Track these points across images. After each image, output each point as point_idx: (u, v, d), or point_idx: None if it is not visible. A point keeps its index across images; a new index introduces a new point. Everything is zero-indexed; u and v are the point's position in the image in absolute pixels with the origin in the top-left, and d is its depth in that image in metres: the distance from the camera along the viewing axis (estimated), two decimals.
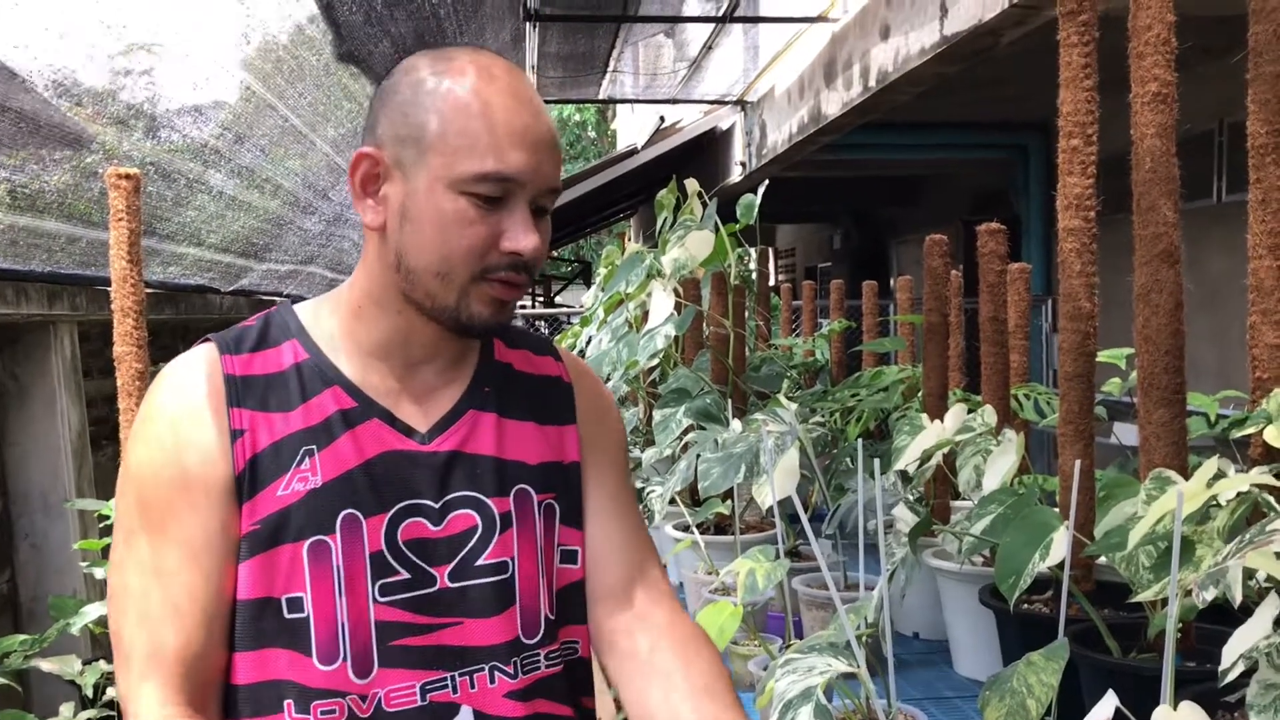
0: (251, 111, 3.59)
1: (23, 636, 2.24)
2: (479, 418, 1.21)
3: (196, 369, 1.13)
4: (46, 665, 2.19)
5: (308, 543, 1.10)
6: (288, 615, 1.09)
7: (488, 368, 1.25)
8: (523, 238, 1.10)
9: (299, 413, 1.13)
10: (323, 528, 1.10)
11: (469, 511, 1.17)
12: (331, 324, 1.19)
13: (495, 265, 1.11)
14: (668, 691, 1.20)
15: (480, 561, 1.16)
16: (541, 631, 1.19)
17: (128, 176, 2.06)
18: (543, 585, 1.20)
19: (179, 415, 1.10)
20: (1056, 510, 1.65)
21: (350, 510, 1.11)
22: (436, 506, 1.15)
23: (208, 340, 1.16)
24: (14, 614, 3.47)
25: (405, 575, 1.13)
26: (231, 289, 5.32)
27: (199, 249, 4.30)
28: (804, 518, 1.52)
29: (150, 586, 1.08)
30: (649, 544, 1.33)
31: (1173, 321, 1.50)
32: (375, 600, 1.11)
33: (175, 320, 4.83)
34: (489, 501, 1.18)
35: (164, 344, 4.95)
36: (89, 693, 2.18)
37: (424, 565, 1.14)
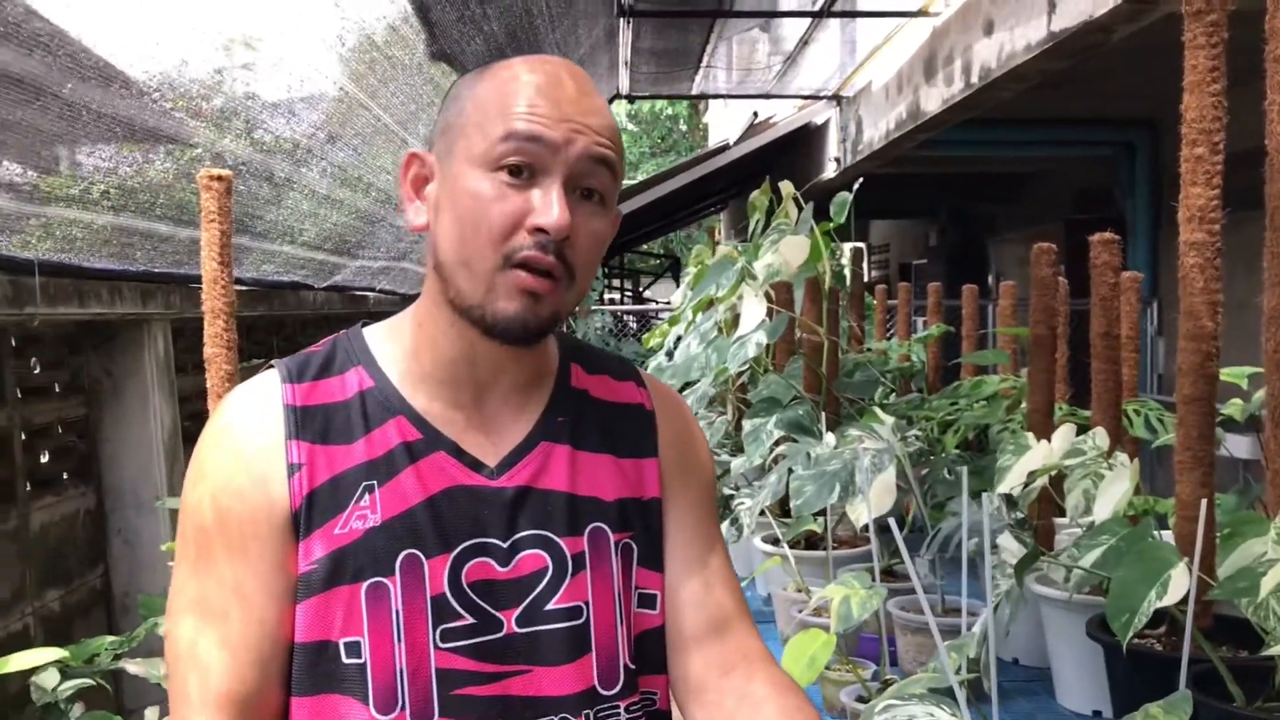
0: (344, 110, 3.60)
1: (111, 637, 2.25)
2: (551, 450, 1.13)
3: (255, 400, 1.08)
4: (133, 668, 2.20)
5: (365, 584, 1.03)
6: (345, 660, 1.03)
7: (562, 395, 1.17)
8: (548, 211, 1.01)
9: (360, 445, 1.07)
10: (381, 569, 1.04)
11: (539, 552, 1.09)
12: (398, 347, 1.13)
13: (519, 246, 1.02)
14: None
15: (551, 605, 1.08)
16: (621, 682, 1.11)
17: (219, 178, 2.05)
18: (621, 632, 1.11)
19: (234, 450, 1.05)
20: (1173, 543, 1.55)
21: (411, 550, 1.05)
22: (504, 546, 1.08)
23: (272, 366, 1.11)
24: (107, 609, 3.53)
25: (469, 620, 1.05)
26: (325, 285, 5.37)
27: (292, 246, 4.34)
28: (899, 538, 1.44)
29: (202, 625, 1.04)
30: (735, 587, 1.23)
31: None
32: (436, 646, 1.04)
33: (270, 316, 4.89)
34: (560, 541, 1.09)
35: (259, 339, 5.02)
36: None
37: (490, 609, 1.06)
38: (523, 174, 1.02)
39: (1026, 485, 1.94)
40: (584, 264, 1.06)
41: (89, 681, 2.18)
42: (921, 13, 6.12)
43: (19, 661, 1.82)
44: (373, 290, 6.43)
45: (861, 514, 2.00)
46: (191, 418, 3.93)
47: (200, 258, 2.06)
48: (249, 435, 1.06)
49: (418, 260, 6.48)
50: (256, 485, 1.04)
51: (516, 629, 1.07)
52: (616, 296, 20.41)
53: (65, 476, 3.40)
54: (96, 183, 2.68)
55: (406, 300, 1.22)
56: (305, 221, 4.23)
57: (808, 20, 6.73)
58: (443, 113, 1.10)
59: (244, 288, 4.16)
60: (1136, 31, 4.10)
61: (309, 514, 1.04)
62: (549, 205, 1.01)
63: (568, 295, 1.06)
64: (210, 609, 1.04)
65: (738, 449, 3.06)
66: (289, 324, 5.47)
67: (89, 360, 3.51)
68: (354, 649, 1.03)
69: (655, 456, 1.20)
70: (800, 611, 2.13)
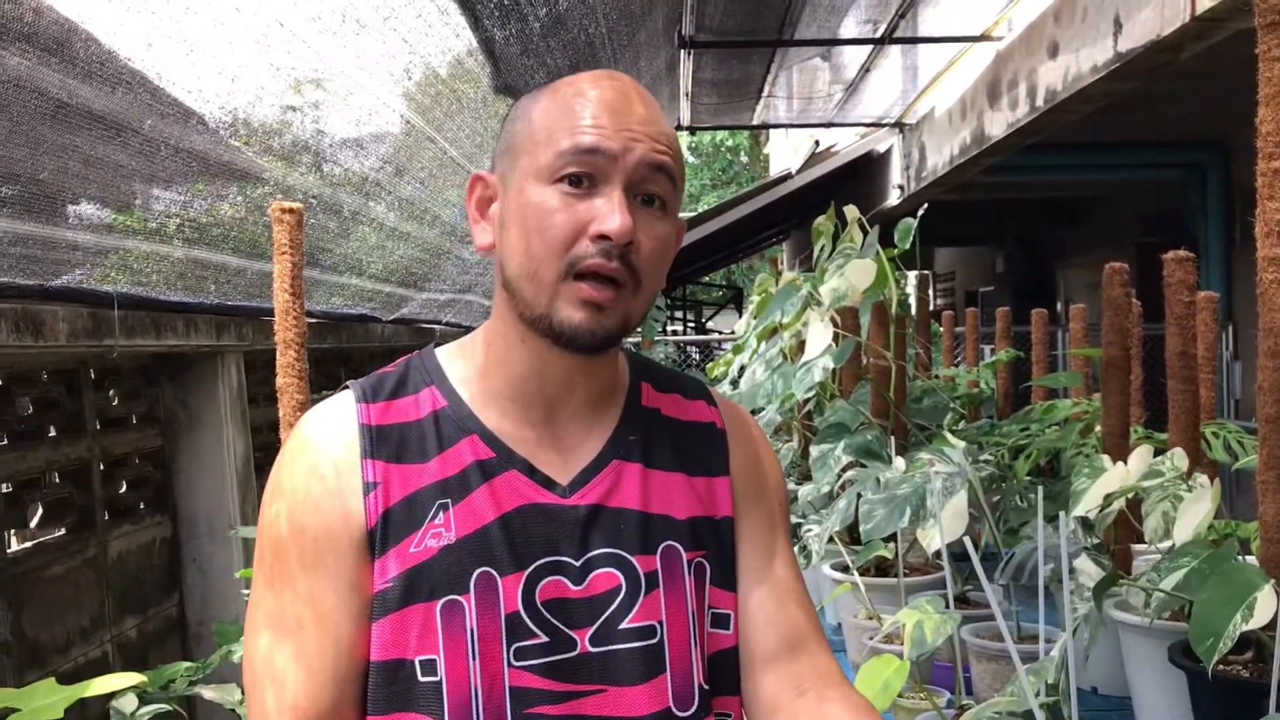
0: (411, 144, 3.65)
1: (187, 664, 2.29)
2: (623, 469, 1.13)
3: (331, 419, 1.09)
4: (208, 694, 2.22)
5: (441, 603, 1.04)
6: (421, 679, 1.03)
7: (633, 414, 1.17)
8: (609, 218, 1.02)
9: (435, 464, 1.08)
10: (456, 587, 1.04)
11: (612, 570, 1.08)
12: (469, 367, 1.14)
13: (583, 254, 1.02)
14: None
15: (625, 624, 1.07)
16: (696, 703, 1.09)
17: (291, 210, 2.09)
18: (695, 652, 1.10)
19: (310, 468, 1.07)
20: (1258, 565, 1.51)
21: (485, 568, 1.05)
22: (577, 565, 1.08)
23: (347, 387, 1.13)
24: (182, 637, 3.58)
25: (543, 639, 1.05)
26: (392, 318, 5.44)
27: (360, 279, 4.41)
28: (976, 560, 1.42)
29: (278, 644, 1.05)
30: (809, 606, 1.21)
31: None
32: (510, 665, 1.04)
33: (338, 349, 4.96)
34: (633, 560, 1.09)
35: (328, 371, 5.09)
36: None
37: (563, 628, 1.06)
38: (583, 184, 1.04)
39: (1103, 509, 1.91)
40: (649, 269, 1.07)
41: (166, 707, 2.21)
42: (985, 37, 6.08)
43: (99, 686, 1.85)
44: (439, 323, 6.50)
45: (934, 539, 1.98)
46: (263, 449, 3.98)
47: (272, 290, 2.10)
48: (326, 453, 1.07)
49: (483, 293, 6.53)
50: (333, 501, 1.06)
51: (590, 648, 1.06)
52: (679, 328, 20.41)
53: (142, 506, 3.47)
54: (172, 217, 2.75)
55: (484, 323, 1.24)
56: (372, 254, 4.29)
57: (869, 48, 6.72)
58: (504, 133, 1.12)
59: (313, 320, 4.22)
60: (1204, 50, 4.03)
61: (384, 532, 1.05)
62: (610, 212, 1.02)
63: (634, 302, 1.07)
64: (286, 623, 1.05)
65: (805, 476, 3.04)
66: (356, 357, 5.54)
67: (165, 392, 3.58)
68: (430, 667, 1.04)
69: (727, 475, 1.19)
70: (872, 639, 2.11)
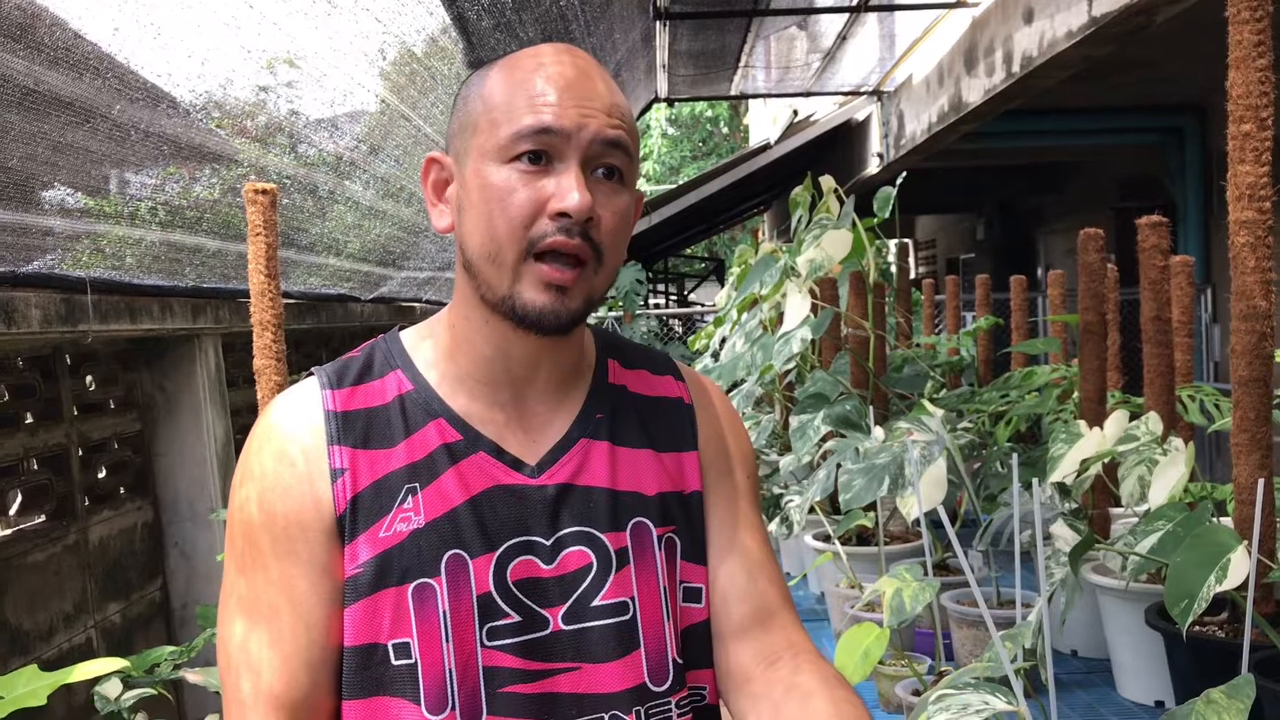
0: (386, 123, 3.63)
1: (171, 648, 2.29)
2: (591, 446, 1.13)
3: (297, 406, 1.09)
4: (192, 677, 2.23)
5: (412, 586, 1.04)
6: (395, 662, 1.04)
7: (600, 392, 1.17)
8: (568, 195, 1.01)
9: (401, 449, 1.08)
10: (426, 570, 1.04)
11: (582, 549, 1.09)
12: (434, 349, 1.14)
13: (543, 233, 1.02)
14: None
15: (597, 602, 1.08)
16: (670, 677, 1.10)
17: (264, 191, 2.07)
18: (668, 627, 1.11)
19: (279, 454, 1.07)
20: (1231, 527, 1.53)
21: (455, 550, 1.05)
22: (548, 544, 1.08)
23: (312, 374, 1.13)
24: (166, 620, 3.58)
25: (516, 618, 1.06)
26: (371, 297, 5.42)
27: (338, 259, 4.38)
28: (951, 531, 1.43)
29: (252, 630, 1.05)
30: (779, 578, 1.22)
31: None
32: (483, 645, 1.05)
33: (318, 329, 4.94)
34: (603, 537, 1.10)
35: (308, 352, 5.07)
36: None
37: (535, 607, 1.07)
38: (540, 160, 1.03)
39: (1079, 474, 1.92)
40: (611, 243, 1.06)
41: (150, 691, 2.22)
42: (960, 3, 6.07)
43: (83, 671, 1.85)
44: (419, 301, 6.48)
45: (912, 507, 1.99)
46: (243, 431, 3.97)
47: (248, 272, 2.09)
48: (293, 439, 1.07)
49: None
50: (302, 487, 1.06)
51: (563, 626, 1.07)
52: (661, 300, 20.40)
53: (122, 491, 3.46)
54: (145, 200, 2.73)
55: (448, 305, 1.23)
56: (350, 234, 4.27)
57: (846, 16, 6.70)
58: (455, 114, 1.12)
59: (291, 300, 4.21)
60: (1180, 14, 4.03)
61: (353, 518, 1.05)
62: (569, 189, 1.02)
63: (596, 280, 1.07)
64: (260, 609, 1.05)
65: (786, 448, 3.05)
66: (336, 336, 5.52)
67: (142, 376, 3.57)
68: (403, 650, 1.04)
69: (695, 450, 1.19)
70: (853, 607, 2.12)
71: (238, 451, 3.77)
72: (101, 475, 3.36)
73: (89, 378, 3.34)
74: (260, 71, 2.73)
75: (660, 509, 1.14)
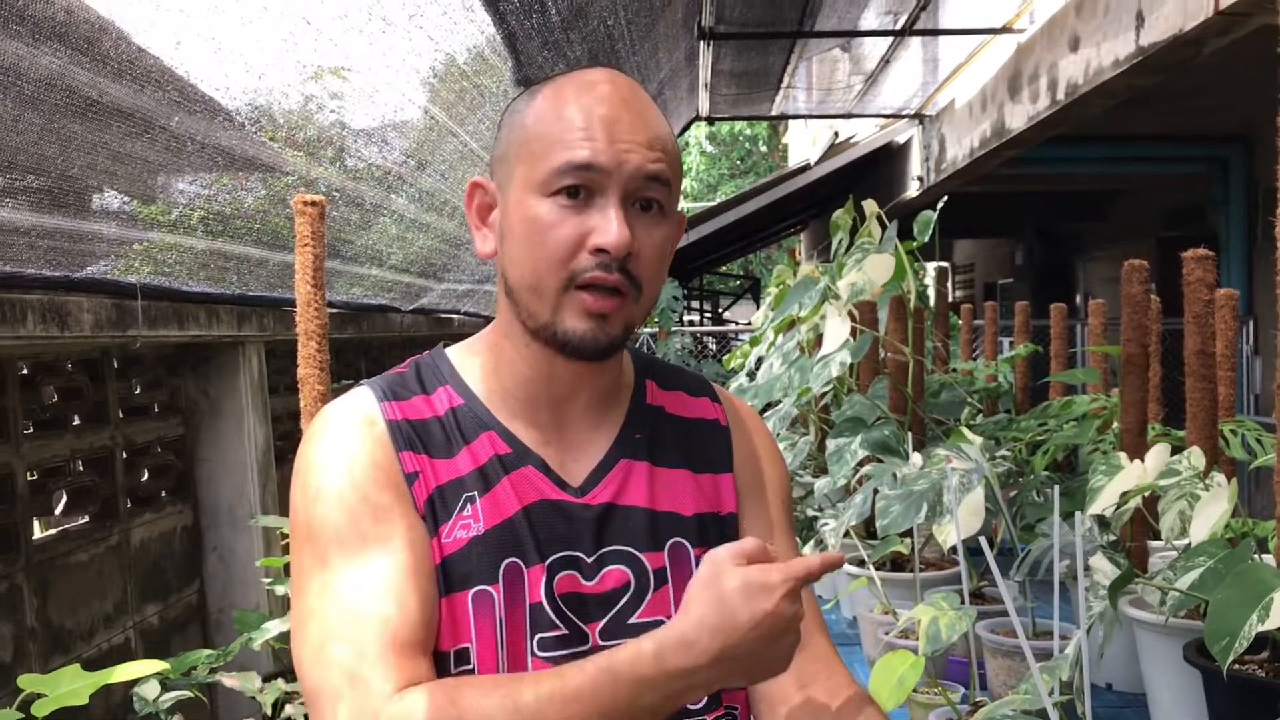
0: (434, 138, 3.67)
1: (208, 651, 2.32)
2: (631, 467, 1.15)
3: (359, 414, 1.10)
4: (229, 681, 2.25)
5: (472, 592, 1.06)
6: (454, 670, 1.05)
7: (638, 412, 1.19)
8: (606, 231, 1.03)
9: (461, 458, 1.10)
10: (486, 577, 1.06)
11: (622, 567, 1.11)
12: (478, 367, 1.16)
13: (583, 268, 1.04)
14: None
15: (634, 619, 1.10)
16: (706, 697, 1.11)
17: (313, 203, 2.11)
18: None
19: (360, 449, 1.07)
20: (1274, 565, 1.52)
21: (512, 559, 1.07)
22: (590, 560, 1.10)
23: (362, 385, 1.14)
24: (203, 624, 3.62)
25: (562, 630, 1.08)
26: (411, 308, 5.46)
27: (380, 270, 4.43)
28: (990, 557, 1.43)
29: (358, 605, 1.01)
30: (813, 602, 1.23)
31: None
32: (534, 654, 1.06)
33: (358, 339, 4.99)
34: (643, 557, 1.11)
35: (347, 360, 5.12)
36: (268, 710, 2.23)
37: (578, 621, 1.08)
38: (580, 195, 1.05)
39: (1119, 506, 1.91)
40: (649, 275, 1.08)
41: (187, 693, 2.24)
42: (1006, 29, 6.06)
43: (125, 672, 1.87)
44: (457, 313, 6.52)
45: (949, 535, 1.99)
46: (283, 438, 4.02)
47: (293, 280, 2.12)
48: (367, 438, 1.08)
49: None
50: (388, 478, 1.06)
51: (601, 642, 1.08)
52: (696, 318, 20.39)
53: (163, 494, 3.50)
54: (197, 209, 2.77)
55: (491, 323, 1.26)
56: (393, 245, 4.31)
57: (889, 39, 6.70)
58: (499, 140, 1.13)
59: (333, 310, 4.25)
60: (1229, 45, 4.01)
61: (429, 520, 1.07)
62: (607, 225, 1.04)
63: (636, 309, 1.09)
64: (371, 582, 1.03)
65: (821, 470, 3.05)
66: (375, 346, 5.57)
67: (186, 381, 3.62)
68: (463, 656, 1.06)
69: (730, 471, 1.21)
70: (887, 633, 2.12)
71: (278, 458, 3.82)
72: (144, 478, 3.40)
73: (134, 381, 3.39)
74: (313, 86, 2.77)
75: (698, 529, 1.15)
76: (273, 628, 2.35)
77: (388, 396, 1.12)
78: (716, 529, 1.17)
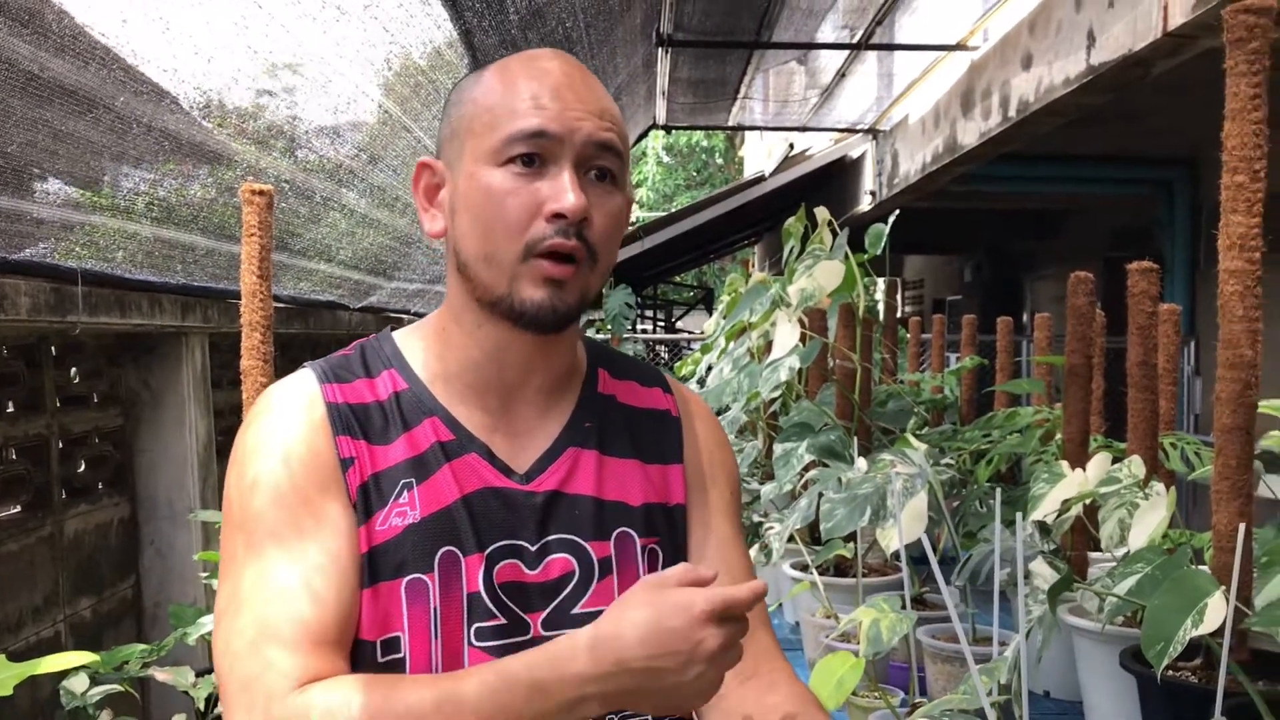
0: (388, 133, 3.64)
1: (142, 646, 2.27)
2: (579, 455, 1.13)
3: (299, 396, 1.08)
4: (161, 675, 2.21)
5: (405, 580, 1.04)
6: (380, 659, 1.03)
7: (589, 401, 1.18)
8: (563, 196, 1.03)
9: (399, 444, 1.08)
10: (420, 565, 1.04)
11: (566, 556, 1.09)
12: (425, 351, 1.14)
13: (540, 236, 1.04)
14: None
15: (577, 610, 1.08)
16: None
17: (261, 192, 2.07)
18: None
19: (296, 431, 1.05)
20: (1209, 573, 1.53)
21: (449, 547, 1.05)
22: (533, 549, 1.08)
23: (304, 368, 1.12)
24: (137, 619, 3.55)
25: (500, 620, 1.06)
26: (360, 305, 5.41)
27: (330, 265, 4.38)
28: (935, 563, 1.44)
29: (275, 594, 1.00)
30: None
31: None
32: (470, 644, 1.04)
33: (304, 335, 4.93)
34: (587, 546, 1.10)
35: (293, 357, 5.06)
36: (200, 706, 2.19)
37: (518, 611, 1.07)
38: (534, 163, 1.05)
39: (1060, 514, 1.93)
40: (604, 244, 1.08)
41: (118, 688, 2.20)
42: (959, 47, 6.13)
43: (51, 664, 1.83)
44: (407, 313, 6.47)
45: (893, 539, 1.99)
46: (224, 432, 3.96)
47: (239, 272, 2.09)
48: (303, 422, 1.06)
49: None
50: (320, 462, 1.05)
51: (543, 632, 1.07)
52: (649, 326, 20.42)
53: (100, 486, 3.44)
54: (141, 195, 2.72)
55: (438, 308, 1.25)
56: (342, 241, 4.27)
57: (845, 53, 6.75)
58: (446, 119, 1.13)
59: (279, 305, 4.20)
60: (1176, 68, 4.08)
61: (361, 507, 1.05)
62: (563, 190, 1.04)
63: (591, 277, 1.08)
64: (289, 571, 1.01)
65: (768, 476, 3.06)
66: (323, 343, 5.51)
67: (127, 371, 3.55)
68: (392, 645, 1.03)
69: (680, 462, 1.20)
70: (828, 637, 2.12)
71: (219, 452, 3.76)
72: (80, 469, 3.34)
73: (73, 369, 3.33)
74: (264, 73, 2.74)
75: (645, 520, 1.14)
76: (208, 623, 2.31)
77: (329, 379, 1.10)
78: (665, 520, 1.17)
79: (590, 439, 1.15)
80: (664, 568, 1.14)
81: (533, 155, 1.04)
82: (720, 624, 0.91)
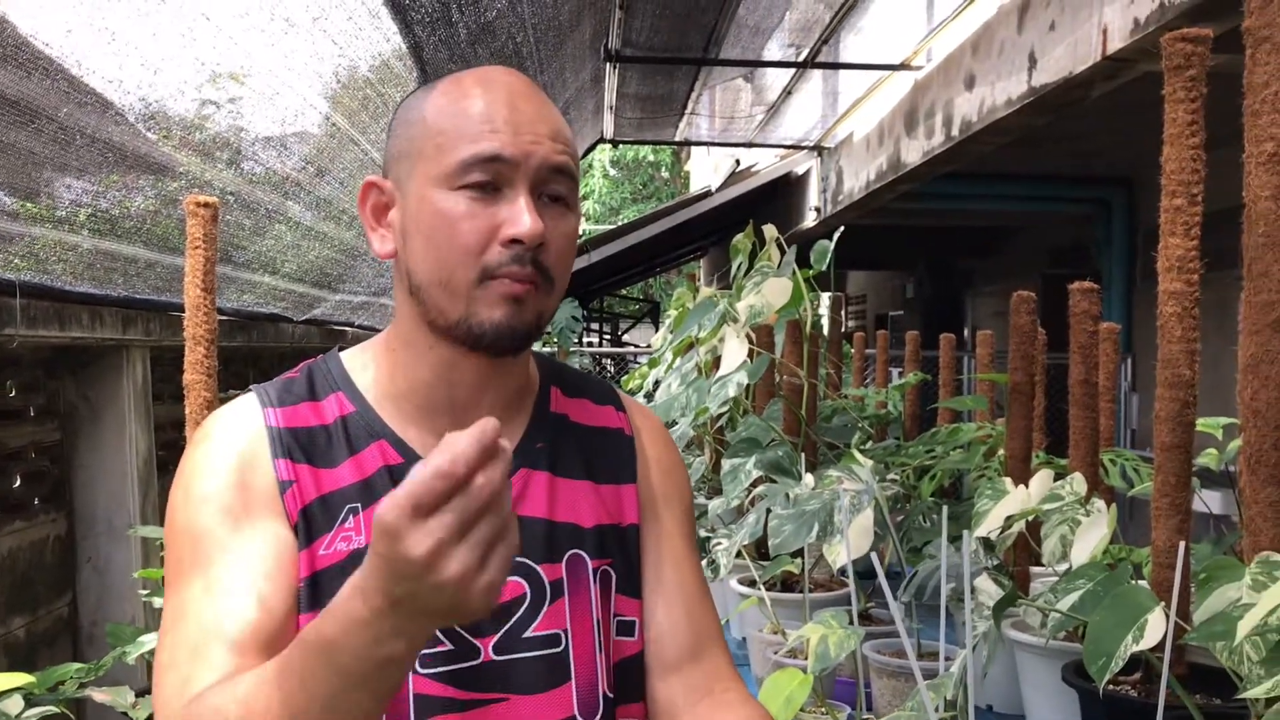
0: (335, 146, 3.62)
1: (78, 665, 2.22)
2: (530, 476, 1.13)
3: (239, 421, 1.07)
4: (99, 696, 2.17)
5: None
6: None
7: (541, 420, 1.17)
8: (519, 221, 1.02)
9: (344, 468, 1.07)
10: None
11: (516, 579, 1.08)
12: (374, 372, 1.13)
13: (497, 262, 1.02)
14: None
15: (529, 633, 1.08)
16: (601, 711, 1.10)
17: (206, 204, 2.05)
18: (600, 660, 1.11)
19: (233, 457, 1.05)
20: (1149, 589, 1.56)
21: None
22: None
23: (250, 391, 1.11)
24: (74, 638, 3.48)
25: (447, 646, 1.05)
26: (304, 319, 5.36)
27: (274, 278, 4.34)
28: (882, 576, 1.45)
29: (205, 608, 0.99)
30: (713, 614, 1.23)
31: None
32: (415, 671, 1.03)
33: (247, 348, 4.87)
34: (539, 568, 1.09)
35: (236, 371, 5.00)
36: None
37: (467, 636, 1.06)
38: (488, 188, 1.03)
39: (1004, 530, 1.95)
40: (559, 267, 1.07)
41: (53, 709, 2.15)
42: (904, 66, 6.22)
43: None
44: (350, 325, 6.42)
45: (840, 554, 2.01)
46: (165, 447, 3.89)
47: (182, 285, 2.06)
48: (241, 447, 1.06)
49: None
50: (258, 486, 1.04)
51: (494, 656, 1.06)
52: (595, 339, 20.42)
53: (36, 502, 3.36)
54: (83, 207, 2.68)
55: (386, 329, 1.23)
56: (287, 253, 4.23)
57: (791, 71, 6.82)
58: (394, 138, 1.11)
59: (222, 317, 4.15)
60: (1114, 91, 4.17)
61: (303, 531, 1.04)
62: (519, 216, 1.02)
63: (548, 300, 1.08)
64: (216, 592, 1.00)
65: (715, 491, 3.07)
66: (266, 356, 5.45)
67: (66, 385, 3.49)
68: None
69: (634, 483, 1.20)
70: (776, 653, 2.13)
71: (160, 467, 3.70)
72: (16, 484, 3.27)
73: (9, 382, 3.26)
74: (211, 85, 2.71)
75: (597, 541, 1.14)
76: (149, 641, 2.27)
77: (272, 403, 1.09)
78: (617, 541, 1.16)
79: (541, 460, 1.14)
80: (617, 589, 1.15)
81: (487, 181, 1.03)
82: (428, 515, 0.76)
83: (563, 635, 1.09)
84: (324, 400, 1.11)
